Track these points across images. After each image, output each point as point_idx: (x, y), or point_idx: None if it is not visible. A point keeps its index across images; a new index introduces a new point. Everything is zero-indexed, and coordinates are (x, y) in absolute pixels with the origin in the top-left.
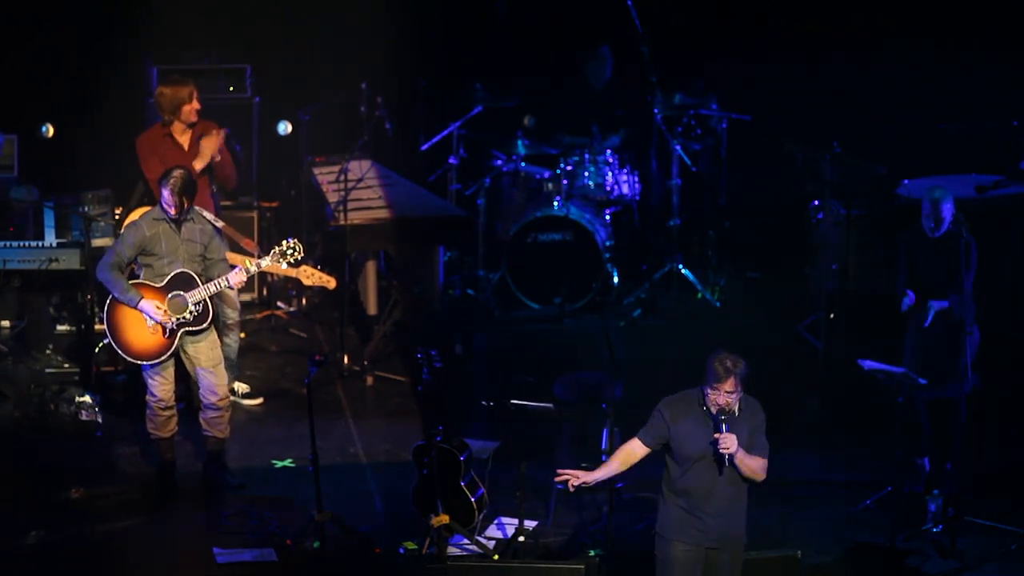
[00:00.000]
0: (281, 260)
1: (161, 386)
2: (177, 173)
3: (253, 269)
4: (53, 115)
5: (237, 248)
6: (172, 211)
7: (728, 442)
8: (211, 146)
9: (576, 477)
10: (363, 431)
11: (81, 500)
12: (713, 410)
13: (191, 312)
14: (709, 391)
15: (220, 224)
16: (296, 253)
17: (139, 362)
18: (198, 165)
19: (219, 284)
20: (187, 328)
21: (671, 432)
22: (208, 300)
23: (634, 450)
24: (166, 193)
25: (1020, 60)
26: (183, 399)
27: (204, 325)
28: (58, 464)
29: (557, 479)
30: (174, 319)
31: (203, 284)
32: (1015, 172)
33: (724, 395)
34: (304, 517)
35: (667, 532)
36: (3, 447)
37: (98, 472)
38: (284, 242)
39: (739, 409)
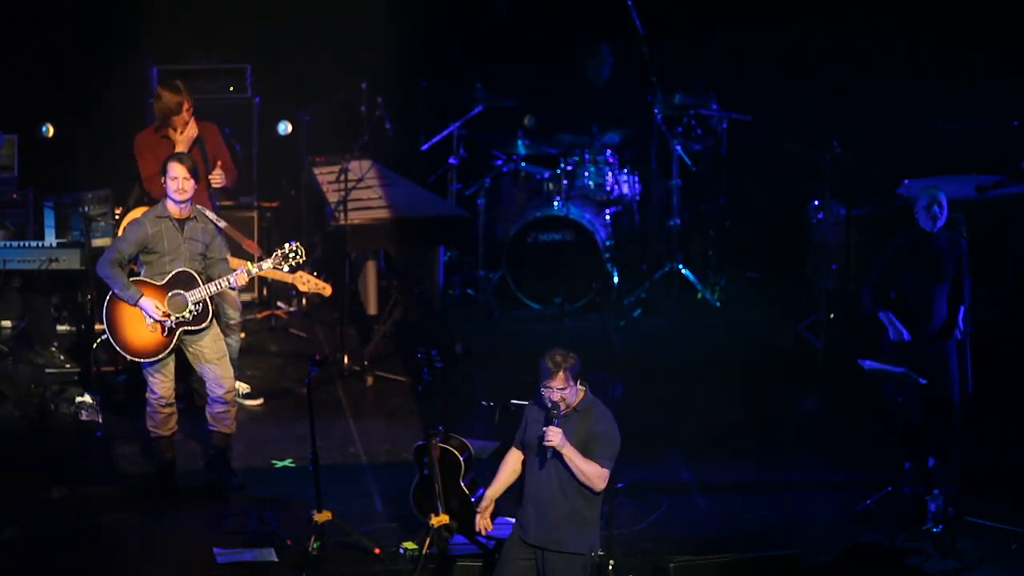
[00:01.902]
0: (283, 263)
1: (161, 383)
2: (175, 156)
3: (255, 271)
4: (53, 115)
5: (239, 249)
6: (185, 195)
7: (551, 435)
8: (190, 136)
9: (485, 510)
10: (363, 431)
11: (81, 499)
12: (548, 404)
13: (190, 311)
14: (542, 388)
15: (223, 224)
16: (298, 257)
17: (137, 360)
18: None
19: (220, 284)
20: (186, 327)
21: (524, 423)
22: (208, 300)
23: (510, 458)
24: (177, 176)
25: (1020, 60)
26: (183, 398)
27: (203, 325)
28: (58, 464)
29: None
30: (173, 318)
31: (204, 283)
32: (1015, 172)
33: (556, 391)
34: (304, 517)
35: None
36: (3, 447)
37: (98, 472)
38: (286, 245)
39: (577, 410)
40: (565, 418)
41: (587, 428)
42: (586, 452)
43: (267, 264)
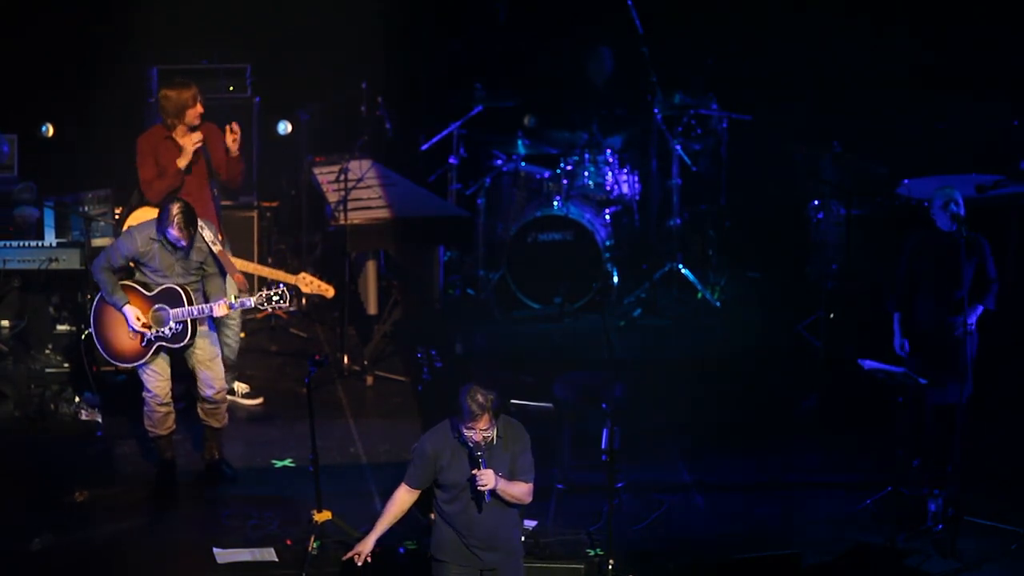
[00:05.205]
0: (265, 304)
1: (156, 382)
2: (176, 208)
3: (236, 305)
4: (53, 115)
5: (241, 250)
6: (183, 243)
7: (485, 479)
8: (193, 142)
9: (361, 553)
10: (363, 431)
11: (81, 500)
12: (470, 445)
13: (170, 328)
14: (464, 428)
15: (217, 249)
16: (282, 302)
17: (115, 363)
18: (181, 163)
19: (202, 310)
20: (163, 343)
21: (437, 465)
22: (189, 322)
23: (405, 497)
24: (173, 232)
25: (1021, 59)
26: (183, 398)
27: (181, 344)
28: (58, 464)
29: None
30: (152, 331)
31: (189, 305)
32: (1015, 172)
33: (479, 433)
34: (304, 517)
35: (441, 555)
36: (3, 447)
37: (98, 472)
38: (274, 288)
39: (498, 436)
40: (491, 451)
41: (511, 452)
42: (513, 473)
43: (250, 302)
